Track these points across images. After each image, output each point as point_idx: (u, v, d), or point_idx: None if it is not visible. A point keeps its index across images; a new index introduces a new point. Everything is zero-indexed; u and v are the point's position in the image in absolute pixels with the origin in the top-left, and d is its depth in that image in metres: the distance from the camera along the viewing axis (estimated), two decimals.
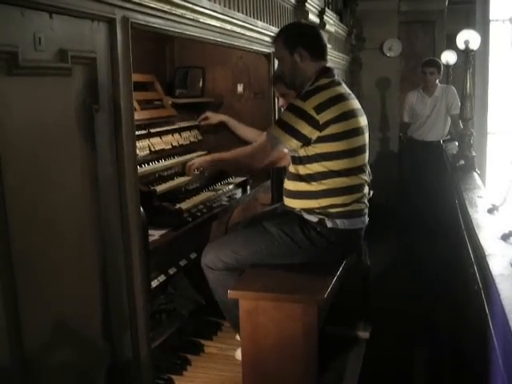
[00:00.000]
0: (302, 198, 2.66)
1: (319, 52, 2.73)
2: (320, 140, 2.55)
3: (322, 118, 2.51)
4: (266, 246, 2.65)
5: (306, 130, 2.52)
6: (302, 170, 2.63)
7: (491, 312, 1.91)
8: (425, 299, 4.10)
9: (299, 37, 2.72)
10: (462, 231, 3.10)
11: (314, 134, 2.53)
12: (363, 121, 2.73)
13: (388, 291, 4.37)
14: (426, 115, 6.13)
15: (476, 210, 3.01)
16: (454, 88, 6.12)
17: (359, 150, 2.67)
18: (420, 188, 5.97)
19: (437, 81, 6.08)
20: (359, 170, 2.68)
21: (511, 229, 2.39)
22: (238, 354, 2.89)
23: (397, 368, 3.33)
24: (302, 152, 2.60)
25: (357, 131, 2.64)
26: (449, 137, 6.32)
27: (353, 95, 2.75)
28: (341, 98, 2.61)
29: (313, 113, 2.50)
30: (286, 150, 2.66)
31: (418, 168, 6.09)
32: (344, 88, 2.70)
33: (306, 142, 2.56)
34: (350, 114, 2.61)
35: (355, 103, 2.71)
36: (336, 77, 2.72)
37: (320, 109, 2.51)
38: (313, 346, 2.39)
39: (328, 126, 2.52)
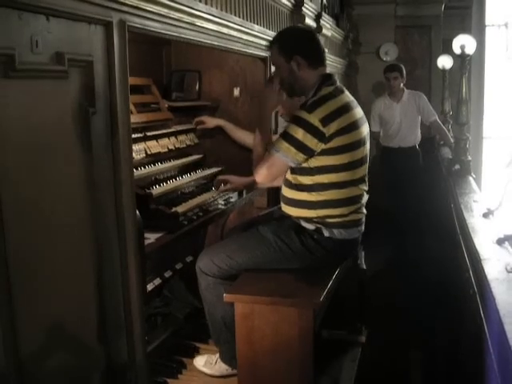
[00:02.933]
0: (299, 207, 2.62)
1: (317, 59, 2.65)
2: (323, 153, 2.49)
3: (328, 130, 2.44)
4: (262, 253, 2.62)
5: (313, 143, 2.45)
6: (302, 180, 2.58)
7: (486, 316, 1.92)
8: (420, 303, 4.10)
9: (296, 44, 2.64)
10: (457, 235, 3.11)
11: (319, 147, 2.47)
12: (365, 130, 2.66)
13: (384, 295, 4.37)
14: (397, 122, 5.91)
15: (471, 214, 3.02)
16: (423, 94, 5.99)
17: (360, 162, 2.62)
18: (403, 196, 5.90)
19: (401, 85, 5.89)
20: (359, 181, 2.64)
21: (506, 233, 2.40)
22: (198, 362, 2.90)
23: (393, 372, 3.34)
24: (304, 163, 2.55)
25: (358, 143, 2.58)
26: (442, 142, 6.29)
27: (356, 102, 2.68)
28: (346, 108, 2.54)
29: (319, 125, 2.43)
30: (292, 165, 2.57)
31: (395, 175, 5.94)
32: (348, 96, 2.63)
33: (310, 154, 2.50)
34: (353, 126, 2.55)
35: (358, 112, 2.64)
36: (337, 83, 2.65)
37: (326, 121, 2.44)
38: (309, 349, 2.39)
39: (333, 138, 2.46)
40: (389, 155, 6.04)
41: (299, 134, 2.47)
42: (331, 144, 2.47)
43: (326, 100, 2.51)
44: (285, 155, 2.52)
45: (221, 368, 2.82)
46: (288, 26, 3.89)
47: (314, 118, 2.45)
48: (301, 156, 2.50)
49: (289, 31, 3.06)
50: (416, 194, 5.77)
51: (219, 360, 2.83)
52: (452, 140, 5.62)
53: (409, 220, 5.81)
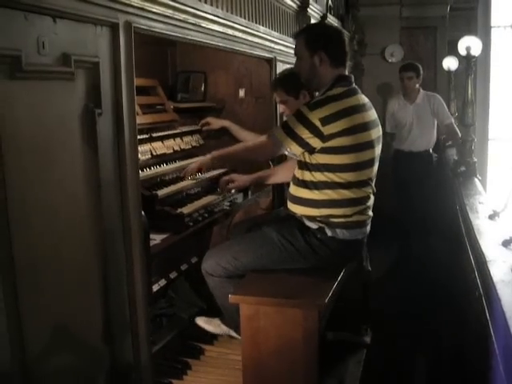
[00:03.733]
0: (303, 205, 2.63)
1: (340, 59, 2.66)
2: (323, 151, 2.50)
3: (327, 130, 2.45)
4: (267, 252, 2.63)
5: (308, 137, 2.48)
6: (307, 176, 2.60)
7: (492, 318, 1.91)
8: (425, 305, 4.10)
9: (322, 40, 2.64)
10: (462, 237, 3.10)
11: (316, 143, 2.49)
12: (375, 133, 2.65)
13: (389, 296, 4.37)
14: (410, 123, 5.59)
15: (477, 215, 3.01)
16: (439, 96, 5.71)
17: (366, 164, 2.61)
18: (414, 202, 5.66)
19: (417, 85, 5.58)
20: (364, 183, 2.63)
21: None
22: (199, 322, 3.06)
23: (397, 373, 3.33)
24: (307, 158, 2.57)
25: (366, 145, 2.57)
26: (450, 143, 6.18)
27: (369, 105, 2.68)
28: (352, 110, 2.53)
29: (318, 124, 2.45)
30: (286, 152, 2.64)
31: (405, 181, 5.66)
32: (359, 98, 2.62)
33: (307, 148, 2.52)
34: (361, 128, 2.54)
35: (369, 115, 2.63)
36: (353, 85, 2.65)
37: (326, 121, 2.45)
38: (313, 350, 2.38)
39: (333, 138, 2.47)
40: (400, 159, 5.71)
41: (296, 125, 2.51)
42: (333, 143, 2.48)
43: (331, 101, 2.52)
44: (279, 142, 2.57)
45: (223, 329, 2.98)
46: (293, 27, 3.90)
47: (313, 117, 2.47)
48: (295, 146, 2.53)
49: (319, 26, 3.08)
50: (422, 195, 5.72)
51: (221, 323, 2.98)
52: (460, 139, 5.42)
53: (414, 221, 5.77)
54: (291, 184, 2.73)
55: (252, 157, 2.88)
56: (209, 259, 2.74)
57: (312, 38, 2.65)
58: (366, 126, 2.58)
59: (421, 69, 5.61)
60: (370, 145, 2.60)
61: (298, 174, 2.66)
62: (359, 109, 2.58)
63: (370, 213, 2.75)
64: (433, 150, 5.78)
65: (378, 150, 2.69)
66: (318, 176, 2.56)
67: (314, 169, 2.56)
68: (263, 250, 2.64)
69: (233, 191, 3.33)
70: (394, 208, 5.84)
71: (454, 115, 6.60)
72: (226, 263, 2.67)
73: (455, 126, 5.75)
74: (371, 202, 2.73)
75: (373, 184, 2.72)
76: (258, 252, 2.65)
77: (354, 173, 2.56)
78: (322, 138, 2.47)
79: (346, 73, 2.72)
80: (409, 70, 5.57)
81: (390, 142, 5.77)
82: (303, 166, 2.62)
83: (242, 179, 3.14)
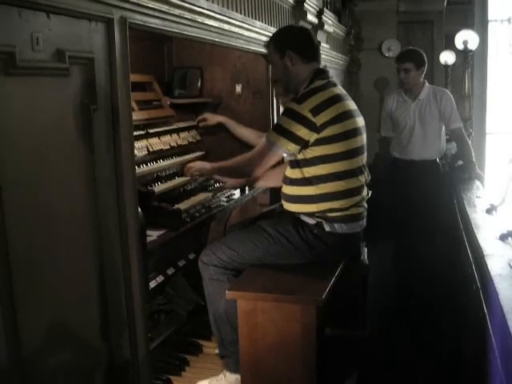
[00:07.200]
0: (300, 203, 2.64)
1: (310, 53, 2.72)
2: (318, 142, 2.52)
3: (318, 120, 2.49)
4: (262, 244, 2.63)
5: (303, 132, 2.50)
6: (300, 173, 2.61)
7: (490, 312, 1.91)
8: (424, 299, 4.10)
9: (287, 40, 2.73)
10: (460, 231, 3.11)
11: (311, 136, 2.51)
12: (360, 121, 2.71)
13: (387, 291, 4.37)
14: (410, 126, 4.51)
15: (474, 210, 3.02)
16: (449, 93, 4.57)
17: (357, 152, 2.64)
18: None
19: (420, 79, 4.45)
20: (358, 171, 2.66)
21: (510, 229, 2.39)
22: None
23: (396, 368, 3.33)
24: (301, 155, 2.58)
25: (354, 132, 2.62)
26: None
27: (348, 96, 2.74)
28: (337, 98, 2.59)
29: (309, 115, 2.49)
30: (284, 155, 2.63)
31: (409, 191, 4.66)
32: (340, 89, 2.69)
33: (303, 144, 2.53)
34: (347, 115, 2.60)
35: (351, 104, 2.70)
36: (331, 78, 2.71)
37: (316, 111, 2.49)
38: (312, 346, 2.38)
39: (326, 127, 2.50)
40: (399, 170, 4.70)
41: (289, 123, 2.52)
42: (325, 133, 2.51)
43: (316, 91, 2.56)
44: (276, 145, 2.56)
45: (230, 381, 2.75)
46: (290, 22, 3.89)
47: (304, 109, 2.50)
48: (292, 145, 2.54)
49: (282, 29, 3.14)
50: (423, 194, 5.61)
51: (226, 373, 2.76)
52: (473, 156, 4.44)
53: (413, 216, 5.73)
54: (284, 185, 2.72)
55: (251, 168, 2.70)
56: (206, 251, 2.74)
57: (278, 41, 2.76)
58: (351, 114, 2.64)
59: (424, 57, 4.47)
60: (357, 132, 2.66)
61: (290, 173, 2.66)
62: (342, 97, 2.64)
63: (366, 204, 2.77)
64: (440, 158, 4.77)
65: (364, 137, 2.75)
66: (313, 171, 2.57)
67: (309, 164, 2.57)
68: (258, 242, 2.64)
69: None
70: (392, 202, 5.80)
71: None
72: (221, 253, 2.66)
73: (465, 133, 4.60)
74: (365, 192, 2.76)
75: (365, 173, 2.75)
76: (252, 244, 2.65)
77: (347, 161, 2.59)
78: (316, 129, 2.50)
79: (328, 70, 2.79)
80: (405, 59, 4.41)
81: (387, 149, 4.86)
82: (295, 164, 2.63)
83: (232, 181, 3.11)
